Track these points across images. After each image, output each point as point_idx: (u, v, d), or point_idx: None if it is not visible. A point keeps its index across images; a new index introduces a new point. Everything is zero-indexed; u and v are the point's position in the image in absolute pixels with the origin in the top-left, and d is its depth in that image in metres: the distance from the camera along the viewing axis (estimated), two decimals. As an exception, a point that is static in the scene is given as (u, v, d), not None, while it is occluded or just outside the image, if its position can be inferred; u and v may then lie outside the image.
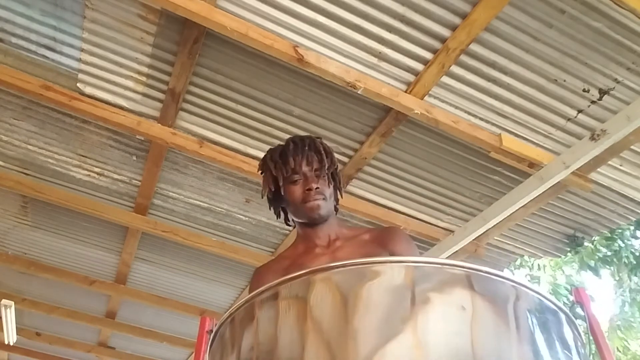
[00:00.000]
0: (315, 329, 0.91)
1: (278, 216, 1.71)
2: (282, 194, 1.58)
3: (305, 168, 1.58)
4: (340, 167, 3.19)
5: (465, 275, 0.93)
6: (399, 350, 0.84)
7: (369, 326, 0.87)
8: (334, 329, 0.89)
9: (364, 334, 0.86)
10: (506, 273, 0.99)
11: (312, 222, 1.60)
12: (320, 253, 1.58)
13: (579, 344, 0.99)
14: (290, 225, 1.72)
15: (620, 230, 6.56)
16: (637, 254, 7.05)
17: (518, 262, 6.77)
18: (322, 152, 1.61)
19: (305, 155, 1.59)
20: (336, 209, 1.69)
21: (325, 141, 1.68)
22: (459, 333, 0.86)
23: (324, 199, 1.57)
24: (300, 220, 1.63)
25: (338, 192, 1.67)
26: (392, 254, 1.54)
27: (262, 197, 1.68)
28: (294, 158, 1.57)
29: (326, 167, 1.60)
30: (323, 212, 1.57)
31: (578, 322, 1.02)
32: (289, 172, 1.57)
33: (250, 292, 1.56)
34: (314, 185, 1.55)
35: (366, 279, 0.92)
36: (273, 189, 1.61)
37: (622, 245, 6.94)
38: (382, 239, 1.61)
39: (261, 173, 1.68)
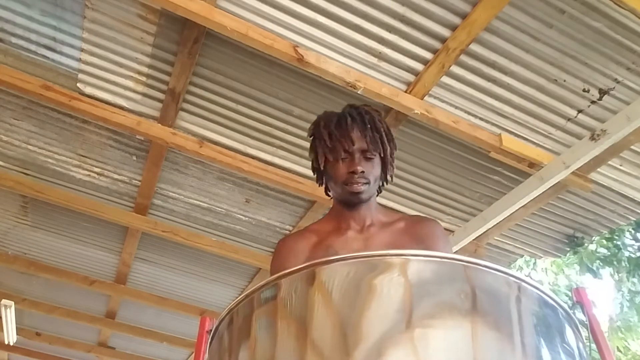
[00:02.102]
0: (315, 324, 0.90)
1: (320, 184, 1.59)
2: (326, 167, 1.48)
3: (357, 147, 1.44)
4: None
5: (466, 270, 0.93)
6: (400, 345, 0.84)
7: (369, 320, 0.87)
8: (334, 323, 0.89)
9: (364, 328, 0.86)
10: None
11: (349, 204, 1.50)
12: (352, 237, 1.48)
13: (580, 343, 0.99)
14: (329, 196, 1.60)
15: (619, 231, 6.55)
16: (636, 254, 7.04)
17: (518, 263, 6.77)
18: (383, 133, 1.48)
19: (364, 134, 1.45)
20: (379, 191, 1.58)
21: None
22: (460, 327, 0.87)
23: (366, 183, 1.45)
24: (338, 198, 1.54)
25: (387, 175, 1.55)
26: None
27: (311, 161, 1.57)
28: (350, 134, 1.44)
29: (381, 151, 1.47)
30: (364, 197, 1.47)
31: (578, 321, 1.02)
32: (344, 147, 1.44)
33: (273, 264, 1.51)
34: (359, 169, 1.43)
35: (368, 273, 0.92)
36: (319, 160, 1.50)
37: (621, 245, 6.93)
38: (418, 232, 1.49)
39: (310, 137, 1.56)
